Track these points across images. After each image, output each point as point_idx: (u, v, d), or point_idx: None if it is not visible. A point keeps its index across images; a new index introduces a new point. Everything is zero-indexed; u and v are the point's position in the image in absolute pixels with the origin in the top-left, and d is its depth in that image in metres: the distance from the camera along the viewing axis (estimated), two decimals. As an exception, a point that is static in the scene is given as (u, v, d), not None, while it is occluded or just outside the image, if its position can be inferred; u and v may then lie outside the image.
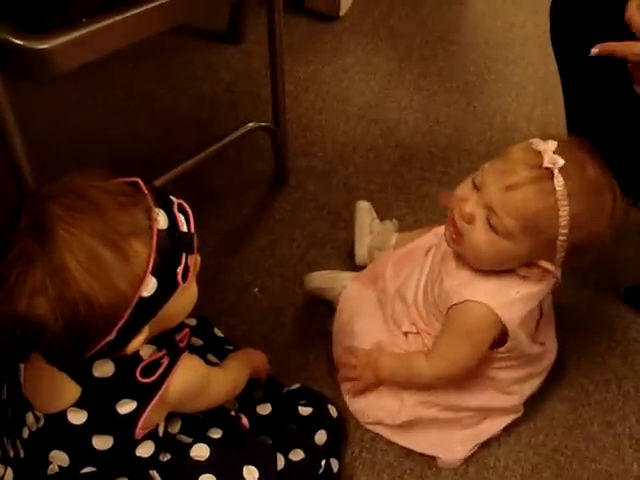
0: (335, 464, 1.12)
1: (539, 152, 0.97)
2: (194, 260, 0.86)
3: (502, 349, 1.10)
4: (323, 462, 1.08)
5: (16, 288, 0.75)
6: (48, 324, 0.76)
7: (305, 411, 1.13)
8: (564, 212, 0.96)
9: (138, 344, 0.83)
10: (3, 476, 0.94)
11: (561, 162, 0.95)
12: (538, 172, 0.96)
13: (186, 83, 1.80)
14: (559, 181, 0.95)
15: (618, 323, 1.41)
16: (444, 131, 1.75)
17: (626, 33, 1.04)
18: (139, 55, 1.80)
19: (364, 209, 1.44)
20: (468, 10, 2.14)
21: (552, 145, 0.97)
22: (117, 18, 1.04)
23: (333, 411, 1.15)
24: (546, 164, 0.95)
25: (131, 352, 0.84)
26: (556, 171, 0.95)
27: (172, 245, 0.81)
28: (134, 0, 1.06)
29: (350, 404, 1.22)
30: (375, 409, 1.20)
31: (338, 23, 2.01)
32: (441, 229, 1.26)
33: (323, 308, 1.34)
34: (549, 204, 0.96)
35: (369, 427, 1.21)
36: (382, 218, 1.53)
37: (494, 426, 1.21)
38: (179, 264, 0.82)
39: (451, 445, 1.19)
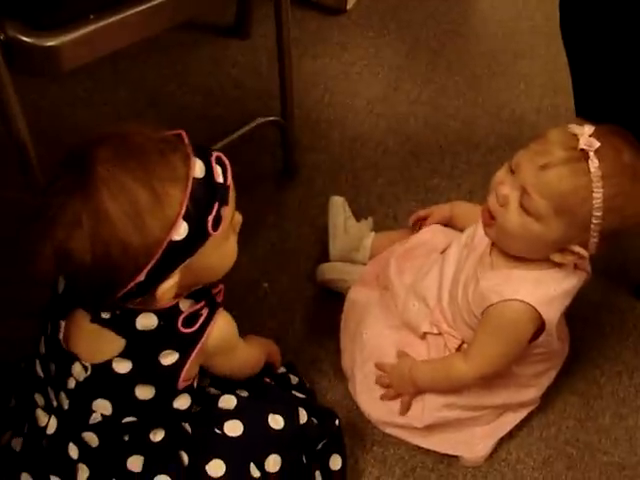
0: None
1: (575, 135, 0.97)
2: (231, 214, 0.89)
3: (535, 344, 1.09)
4: (337, 421, 1.10)
5: (55, 219, 0.80)
6: (81, 258, 0.80)
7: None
8: (598, 194, 0.95)
9: (168, 289, 0.85)
10: (47, 424, 0.96)
11: (597, 144, 0.95)
12: (573, 153, 0.96)
13: (194, 78, 1.80)
14: (594, 162, 0.95)
15: (629, 315, 1.40)
16: (453, 124, 1.74)
17: (634, 19, 1.04)
18: (146, 51, 1.79)
19: (338, 205, 1.43)
20: (476, 2, 2.13)
21: (589, 129, 0.97)
22: (124, 15, 1.04)
23: (336, 424, 1.13)
24: (582, 146, 0.95)
25: (161, 298, 0.85)
26: (591, 153, 0.95)
27: (206, 193, 0.84)
28: (141, -4, 1.06)
29: (366, 411, 1.20)
30: (395, 415, 1.18)
31: (345, 16, 2.00)
32: (450, 231, 1.26)
33: (333, 303, 1.34)
34: (582, 184, 0.95)
35: (388, 431, 1.20)
36: (391, 212, 1.53)
37: (513, 419, 1.21)
38: (210, 213, 0.84)
39: (473, 443, 1.19)
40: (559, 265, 1.04)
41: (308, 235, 1.48)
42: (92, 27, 1.01)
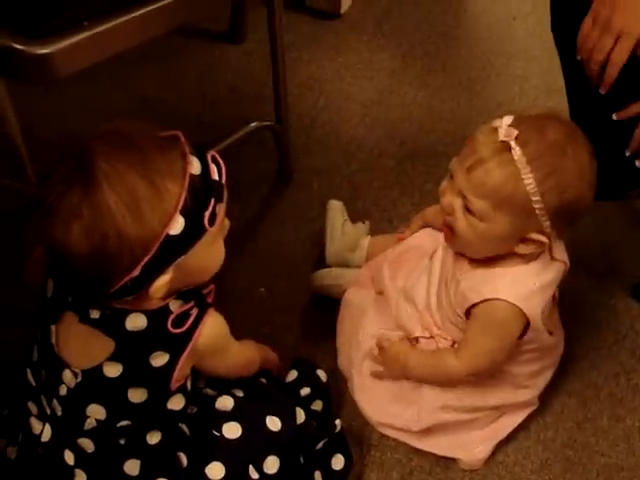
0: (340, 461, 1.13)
1: (496, 128, 0.98)
2: (223, 214, 0.89)
3: (524, 340, 1.10)
4: (337, 421, 1.11)
5: (53, 210, 0.81)
6: (78, 249, 0.80)
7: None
8: (529, 179, 0.96)
9: (161, 286, 0.85)
10: (42, 432, 0.96)
11: (515, 133, 0.96)
12: (495, 146, 0.97)
13: (188, 84, 1.80)
14: (516, 151, 0.96)
15: (625, 316, 1.40)
16: (448, 127, 1.74)
17: None
18: (141, 57, 1.79)
19: (336, 209, 1.43)
20: (470, 4, 2.13)
21: (508, 119, 0.98)
22: (118, 21, 1.05)
23: (337, 425, 1.14)
24: (501, 137, 0.96)
25: (153, 295, 0.86)
26: (512, 142, 0.96)
27: (202, 189, 0.85)
28: (135, 2, 1.06)
29: (364, 411, 1.21)
30: (393, 418, 1.19)
31: (339, 21, 2.00)
32: (437, 234, 1.26)
33: (329, 307, 1.33)
34: (509, 173, 0.96)
35: (387, 434, 1.20)
36: (387, 216, 1.53)
37: (511, 422, 1.21)
38: (207, 208, 0.85)
39: (471, 446, 1.18)
40: (535, 258, 1.05)
41: (304, 239, 1.48)
42: (86, 34, 1.01)
